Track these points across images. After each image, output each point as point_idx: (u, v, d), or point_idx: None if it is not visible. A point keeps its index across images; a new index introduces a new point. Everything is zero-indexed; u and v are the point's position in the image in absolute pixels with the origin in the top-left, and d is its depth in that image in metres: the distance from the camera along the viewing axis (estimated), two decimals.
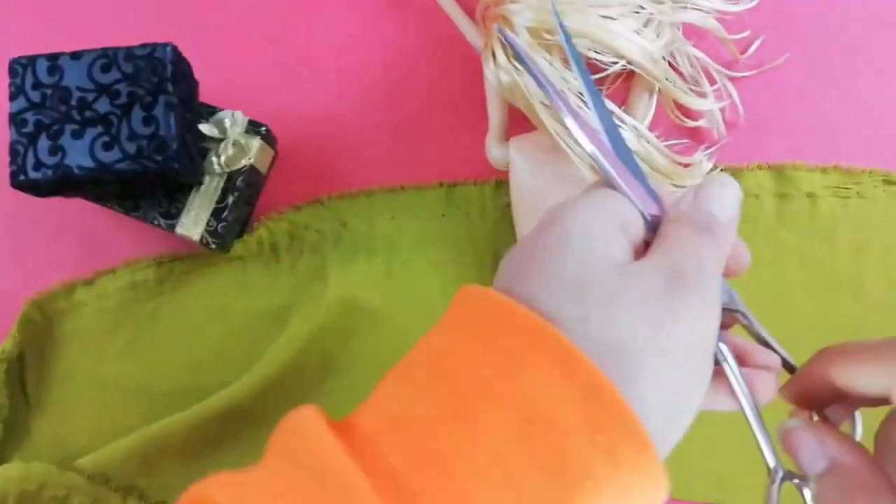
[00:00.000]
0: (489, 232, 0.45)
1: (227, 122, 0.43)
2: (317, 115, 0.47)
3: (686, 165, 0.43)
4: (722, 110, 0.45)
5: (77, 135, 0.40)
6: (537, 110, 0.39)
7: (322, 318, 0.44)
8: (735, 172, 0.45)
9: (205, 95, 0.44)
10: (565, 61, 0.40)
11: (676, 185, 0.41)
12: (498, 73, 0.40)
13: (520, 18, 0.39)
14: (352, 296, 0.45)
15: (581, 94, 0.40)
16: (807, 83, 0.46)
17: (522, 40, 0.40)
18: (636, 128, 0.40)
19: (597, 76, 0.40)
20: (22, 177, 0.40)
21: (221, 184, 0.44)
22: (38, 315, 0.46)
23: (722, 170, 0.45)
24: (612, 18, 0.39)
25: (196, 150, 0.43)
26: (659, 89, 0.42)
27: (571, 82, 0.39)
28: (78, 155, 0.40)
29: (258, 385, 0.44)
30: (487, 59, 0.41)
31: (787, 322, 0.43)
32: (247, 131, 0.44)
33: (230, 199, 0.43)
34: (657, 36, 0.40)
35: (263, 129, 0.44)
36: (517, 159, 0.42)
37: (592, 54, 0.39)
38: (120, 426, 0.46)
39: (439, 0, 0.46)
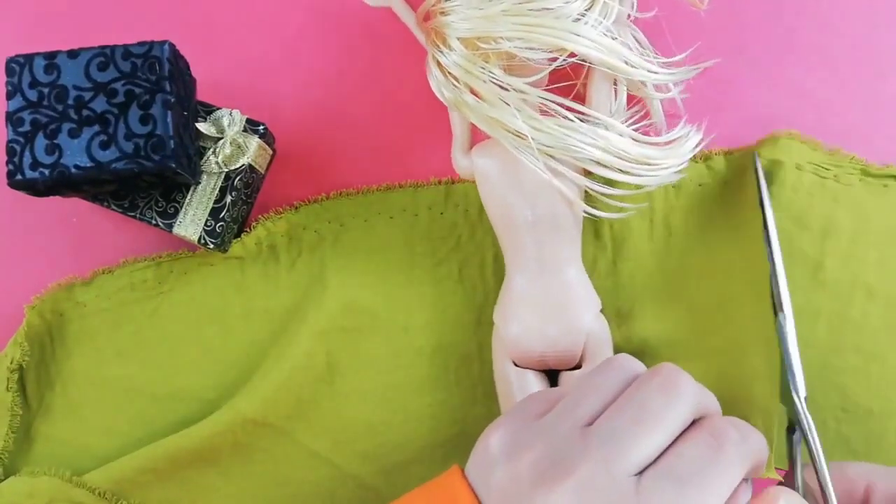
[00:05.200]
0: (489, 229, 0.45)
1: (226, 121, 0.43)
2: (315, 115, 0.47)
3: (669, 142, 0.40)
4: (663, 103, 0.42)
5: (74, 134, 0.40)
6: (483, 122, 0.38)
7: (323, 320, 0.44)
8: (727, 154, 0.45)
9: (202, 93, 0.44)
10: (504, 69, 0.38)
11: (661, 170, 0.39)
12: (441, 89, 0.39)
13: (452, 31, 0.38)
14: (352, 296, 0.45)
15: (544, 97, 0.38)
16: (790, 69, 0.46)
17: (457, 53, 0.38)
18: (598, 120, 0.37)
19: (541, 75, 0.37)
20: (19, 176, 0.40)
21: (219, 183, 0.43)
22: (38, 319, 0.45)
23: (716, 154, 0.44)
24: (549, 10, 0.36)
25: (194, 150, 0.43)
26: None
27: (525, 91, 0.37)
28: (75, 154, 0.39)
29: (266, 391, 0.44)
30: (430, 74, 0.40)
31: (736, 289, 0.43)
32: (245, 130, 0.44)
33: (228, 199, 0.43)
34: (604, 18, 0.36)
35: (261, 127, 0.44)
36: (481, 166, 0.41)
37: (531, 54, 0.36)
38: (122, 427, 0.45)
39: (396, 10, 0.45)
